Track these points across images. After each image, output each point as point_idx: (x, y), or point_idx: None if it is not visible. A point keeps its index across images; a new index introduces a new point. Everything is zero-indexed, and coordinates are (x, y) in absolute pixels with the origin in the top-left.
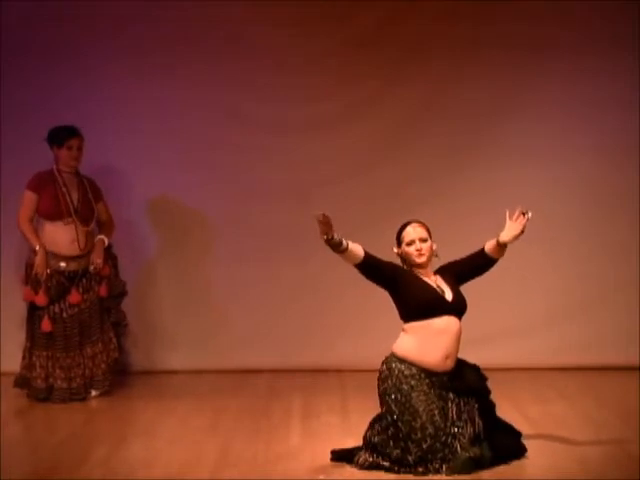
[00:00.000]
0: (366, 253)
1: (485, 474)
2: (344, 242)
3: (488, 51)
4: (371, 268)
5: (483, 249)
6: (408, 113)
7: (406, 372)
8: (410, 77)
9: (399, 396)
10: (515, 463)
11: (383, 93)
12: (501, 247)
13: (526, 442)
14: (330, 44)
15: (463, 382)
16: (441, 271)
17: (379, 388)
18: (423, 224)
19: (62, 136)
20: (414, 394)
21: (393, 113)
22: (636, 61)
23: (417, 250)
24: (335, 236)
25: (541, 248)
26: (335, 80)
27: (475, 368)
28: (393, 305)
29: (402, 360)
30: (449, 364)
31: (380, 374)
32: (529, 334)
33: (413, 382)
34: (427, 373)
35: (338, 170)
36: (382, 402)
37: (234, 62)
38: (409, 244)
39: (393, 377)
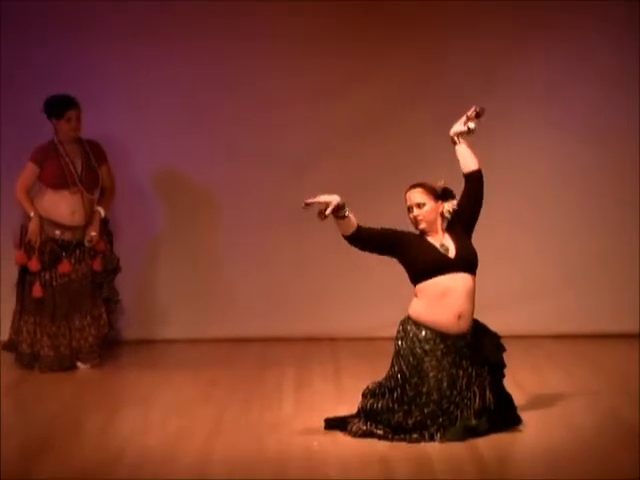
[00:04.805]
0: (358, 228)
1: (480, 442)
2: (346, 209)
3: (482, 29)
4: (361, 241)
5: (464, 176)
6: (404, 85)
7: (421, 336)
8: (403, 50)
9: (411, 359)
10: (509, 432)
11: (378, 65)
12: (456, 144)
13: (520, 411)
14: (328, 12)
15: (481, 353)
16: (449, 226)
17: (394, 347)
18: (423, 185)
19: (60, 108)
20: (427, 359)
21: (389, 84)
22: (635, 27)
23: (414, 217)
24: (345, 207)
25: (539, 216)
26: (333, 50)
27: (495, 337)
28: (386, 274)
29: (417, 323)
30: (462, 325)
31: (397, 333)
32: (525, 302)
33: (427, 347)
34: (442, 337)
35: (338, 140)
36: (394, 362)
37: (236, 36)
38: (408, 211)
39: (407, 339)
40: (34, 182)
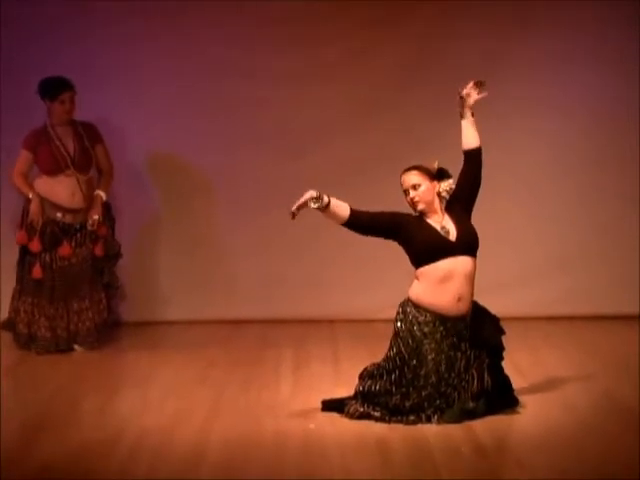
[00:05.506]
0: (352, 213)
1: (477, 424)
2: (325, 198)
3: (483, 11)
4: (360, 227)
5: (463, 153)
6: (402, 68)
7: (420, 318)
8: (401, 32)
9: (410, 341)
10: (505, 414)
11: (376, 44)
12: (461, 118)
13: (517, 392)
14: None
15: (480, 336)
16: (448, 207)
17: (394, 328)
18: (417, 167)
19: (55, 90)
20: (426, 341)
21: (387, 67)
22: (637, 10)
23: (411, 199)
24: (324, 199)
25: (537, 198)
26: (330, 33)
27: (495, 320)
28: (385, 256)
29: (416, 306)
30: (462, 307)
31: (396, 315)
32: (523, 284)
33: (426, 329)
34: (442, 320)
35: (335, 123)
36: (392, 343)
37: (231, 19)
38: (405, 194)
39: (407, 321)
40: (30, 167)
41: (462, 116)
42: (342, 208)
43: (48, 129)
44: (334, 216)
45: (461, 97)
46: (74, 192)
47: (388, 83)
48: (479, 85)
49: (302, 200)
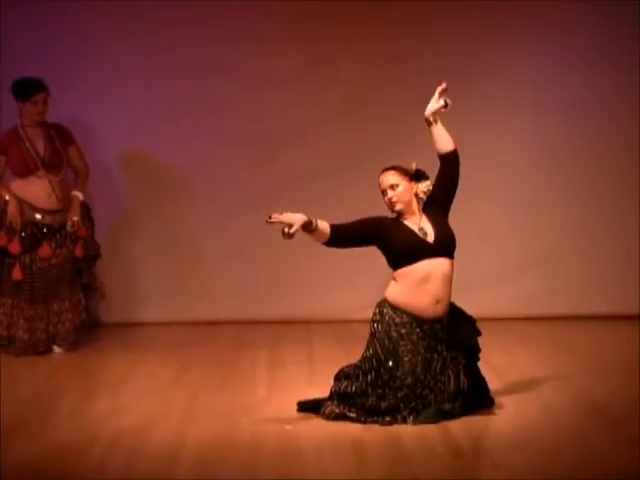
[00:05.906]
0: (332, 230)
1: (453, 424)
2: (313, 222)
3: (464, 9)
4: (340, 242)
5: (440, 157)
6: (381, 63)
7: (397, 320)
8: (382, 26)
9: (387, 342)
10: (481, 414)
11: (356, 43)
12: (432, 125)
13: (493, 393)
14: None
15: (456, 338)
16: (426, 208)
17: (370, 329)
18: (395, 167)
19: (28, 90)
20: (402, 342)
21: (365, 63)
22: (620, 9)
23: (388, 199)
24: (312, 222)
25: (513, 199)
26: (309, 30)
27: (471, 321)
28: (361, 257)
29: (393, 307)
30: (439, 309)
31: (373, 316)
32: (500, 284)
33: (403, 330)
34: (418, 322)
35: (311, 123)
36: (369, 344)
37: (208, 20)
38: (383, 194)
39: (383, 322)
40: (3, 169)
41: (431, 123)
42: (323, 228)
43: (19, 130)
44: (317, 237)
45: (446, 106)
46: (49, 193)
47: (367, 83)
48: (445, 91)
49: (284, 220)
